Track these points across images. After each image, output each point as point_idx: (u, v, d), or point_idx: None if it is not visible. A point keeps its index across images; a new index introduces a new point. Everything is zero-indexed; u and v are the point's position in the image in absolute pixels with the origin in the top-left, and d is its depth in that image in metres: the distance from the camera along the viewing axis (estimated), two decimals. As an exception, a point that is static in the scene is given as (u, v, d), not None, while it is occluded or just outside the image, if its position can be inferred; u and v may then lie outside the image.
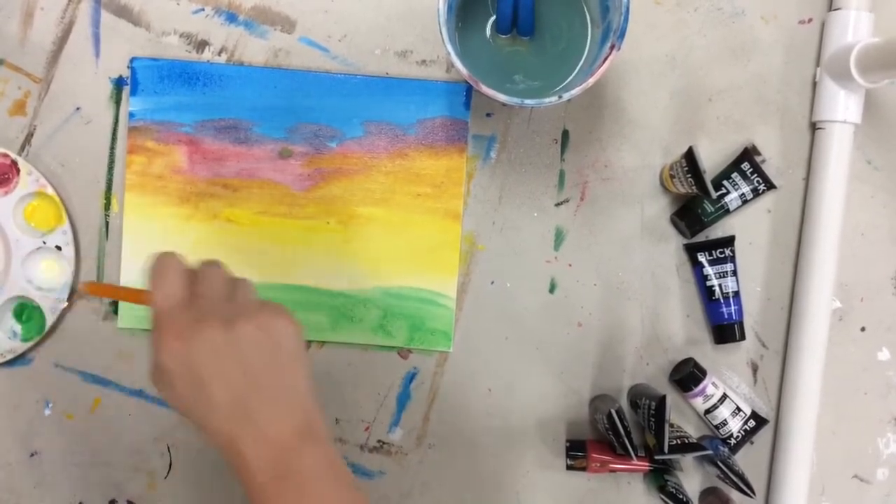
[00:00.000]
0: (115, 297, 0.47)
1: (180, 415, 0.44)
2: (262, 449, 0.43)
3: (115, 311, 0.65)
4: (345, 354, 0.66)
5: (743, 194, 0.64)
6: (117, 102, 0.65)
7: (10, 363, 0.65)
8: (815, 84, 0.65)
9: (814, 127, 0.65)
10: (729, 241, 0.64)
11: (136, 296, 0.47)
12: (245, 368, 0.43)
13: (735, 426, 0.64)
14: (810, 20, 0.65)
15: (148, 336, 0.45)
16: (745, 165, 0.64)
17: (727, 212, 0.64)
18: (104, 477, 0.66)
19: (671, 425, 0.60)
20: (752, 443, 0.65)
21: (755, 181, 0.64)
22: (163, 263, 0.46)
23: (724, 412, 0.63)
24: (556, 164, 0.65)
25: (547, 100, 0.54)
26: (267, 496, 0.43)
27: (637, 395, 0.63)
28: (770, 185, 0.64)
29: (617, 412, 0.59)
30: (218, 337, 0.43)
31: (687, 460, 0.66)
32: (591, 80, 0.53)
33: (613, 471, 0.63)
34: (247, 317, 0.44)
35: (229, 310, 0.45)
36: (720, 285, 0.64)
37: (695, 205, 0.64)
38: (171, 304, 0.44)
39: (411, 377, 0.66)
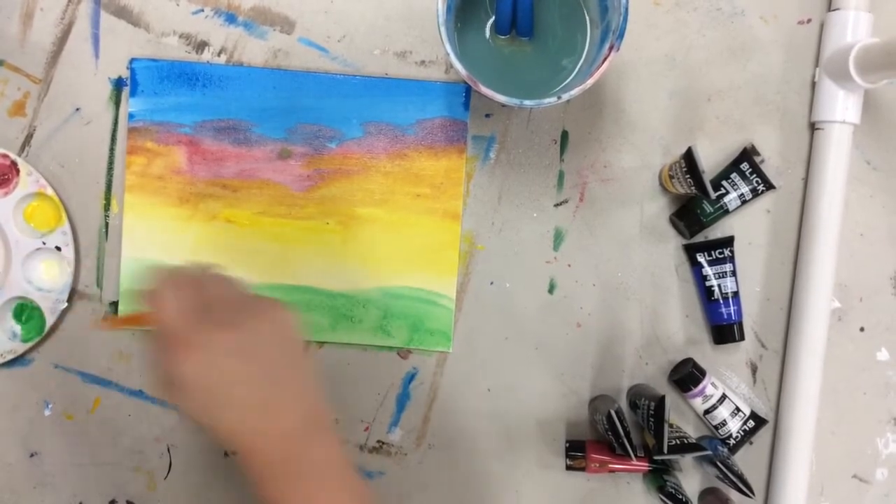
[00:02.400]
0: (130, 326, 0.47)
1: (193, 421, 0.44)
2: (275, 442, 0.44)
3: (115, 312, 0.65)
4: (344, 355, 0.66)
5: (742, 194, 0.64)
6: (117, 103, 0.65)
7: (9, 364, 0.65)
8: (814, 84, 0.65)
9: (813, 127, 0.65)
10: (728, 242, 0.64)
11: (145, 318, 0.47)
12: (259, 366, 0.44)
13: (734, 426, 0.64)
14: (809, 20, 0.65)
15: (155, 351, 0.45)
16: (745, 166, 0.64)
17: (726, 212, 0.64)
18: (104, 477, 0.66)
19: (670, 425, 0.60)
20: (751, 443, 0.65)
21: (754, 181, 0.64)
22: (162, 281, 0.46)
23: (723, 412, 0.64)
24: (556, 164, 0.65)
25: (546, 100, 0.54)
26: (277, 487, 0.44)
27: (636, 396, 0.63)
28: (769, 186, 0.64)
29: (616, 412, 0.60)
30: (231, 341, 0.43)
31: (686, 460, 0.66)
32: (591, 81, 0.53)
33: (613, 471, 0.63)
34: (254, 316, 0.45)
35: (234, 311, 0.45)
36: (719, 285, 0.64)
37: (694, 205, 0.64)
38: (179, 318, 0.44)
39: (411, 377, 0.66)
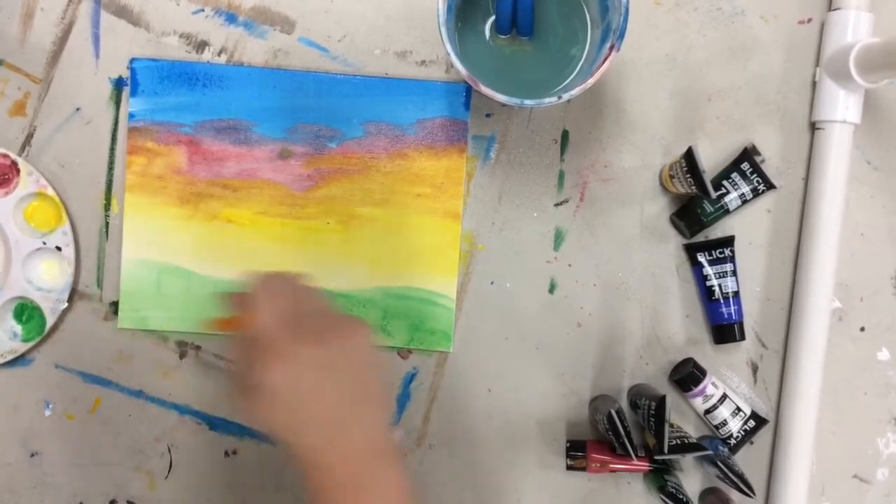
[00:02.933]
0: (225, 329, 0.48)
1: (264, 429, 0.44)
2: (347, 463, 0.44)
3: (115, 312, 0.65)
4: (345, 355, 0.66)
5: (742, 194, 0.64)
6: (117, 103, 0.65)
7: (10, 364, 0.65)
8: (814, 84, 0.65)
9: (813, 127, 0.65)
10: (728, 241, 0.64)
11: (239, 322, 0.47)
12: (340, 384, 0.44)
13: (735, 426, 0.64)
14: (810, 20, 0.65)
15: (243, 355, 0.45)
16: (745, 165, 0.64)
17: (727, 212, 0.64)
18: (104, 477, 0.66)
19: (671, 425, 0.60)
20: (751, 443, 0.65)
21: (755, 181, 0.64)
22: (265, 285, 0.46)
23: (723, 412, 0.63)
24: (556, 164, 0.65)
25: (546, 100, 0.54)
26: None
27: (637, 396, 0.63)
28: (770, 185, 0.64)
29: (617, 412, 0.59)
30: (319, 356, 0.44)
31: (687, 460, 0.66)
32: (591, 81, 0.53)
33: (613, 471, 0.63)
34: (339, 331, 0.45)
35: (324, 326, 0.46)
36: (720, 285, 0.64)
37: (694, 205, 0.64)
38: (276, 326, 0.44)
39: (411, 377, 0.66)
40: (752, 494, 0.60)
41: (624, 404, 0.65)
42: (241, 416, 0.65)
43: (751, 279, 0.66)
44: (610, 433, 0.60)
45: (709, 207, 0.63)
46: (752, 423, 0.64)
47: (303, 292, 0.48)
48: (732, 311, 0.64)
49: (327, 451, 0.44)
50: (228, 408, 0.66)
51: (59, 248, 0.64)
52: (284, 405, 0.43)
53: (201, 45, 0.65)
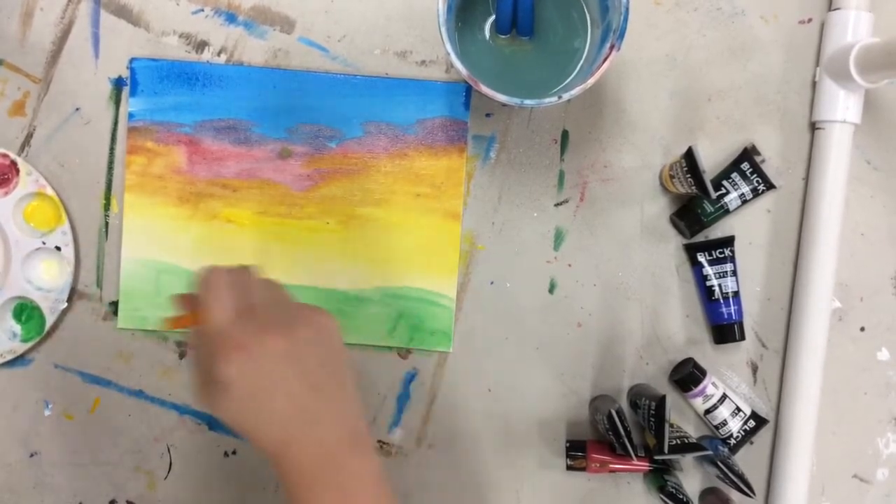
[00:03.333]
0: (179, 327, 0.48)
1: (228, 424, 0.44)
2: (315, 455, 0.43)
3: (115, 312, 0.65)
4: (345, 355, 0.66)
5: (742, 194, 0.64)
6: (117, 103, 0.65)
7: (9, 364, 0.65)
8: (814, 84, 0.65)
9: (813, 127, 0.65)
10: (728, 242, 0.64)
11: (193, 318, 0.47)
12: (306, 375, 0.44)
13: (735, 426, 0.64)
14: (810, 20, 0.65)
15: (199, 351, 0.44)
16: (745, 165, 0.64)
17: (727, 212, 0.64)
18: (104, 477, 0.66)
19: (671, 425, 0.60)
20: (751, 443, 0.65)
21: (755, 181, 0.64)
22: (212, 279, 0.45)
23: (723, 412, 0.63)
24: (556, 164, 0.65)
25: (546, 100, 0.54)
26: (311, 496, 0.43)
27: (637, 396, 0.63)
28: (770, 185, 0.64)
29: (617, 412, 0.59)
30: (280, 346, 0.43)
31: (687, 460, 0.66)
32: (591, 81, 0.53)
33: (613, 471, 0.63)
34: (302, 322, 0.45)
35: (282, 316, 0.45)
36: (720, 285, 0.64)
37: (694, 205, 0.64)
38: (228, 319, 0.44)
39: (411, 377, 0.66)
40: (752, 494, 0.60)
41: (624, 404, 0.65)
42: (206, 411, 0.64)
43: (751, 279, 0.65)
44: (610, 433, 0.60)
45: (709, 207, 0.63)
46: (752, 423, 0.64)
47: (257, 284, 0.47)
48: (732, 311, 0.63)
49: (296, 444, 0.43)
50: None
51: (58, 248, 0.64)
52: (244, 396, 0.42)
53: (201, 45, 0.65)
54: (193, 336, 0.46)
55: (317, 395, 0.44)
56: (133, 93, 0.64)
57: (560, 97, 0.54)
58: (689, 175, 0.59)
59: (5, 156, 0.64)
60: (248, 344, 0.42)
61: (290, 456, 0.43)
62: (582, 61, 0.60)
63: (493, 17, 0.61)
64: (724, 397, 0.63)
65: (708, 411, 0.64)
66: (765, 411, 0.66)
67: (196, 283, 0.46)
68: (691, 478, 0.66)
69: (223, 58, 0.65)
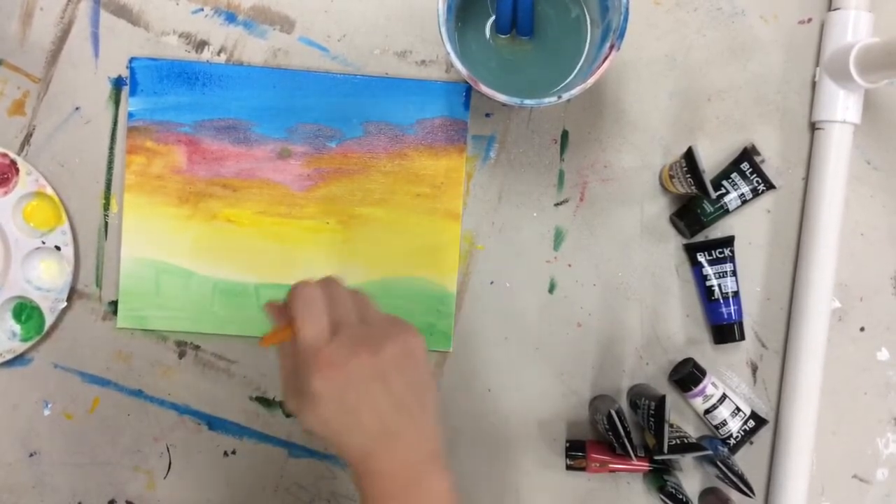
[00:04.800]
0: (276, 342, 0.48)
1: (315, 435, 0.45)
2: (398, 470, 0.45)
3: (114, 312, 0.65)
4: (344, 354, 0.66)
5: (742, 194, 0.64)
6: (116, 102, 0.65)
7: (9, 363, 0.65)
8: (814, 84, 0.65)
9: (813, 127, 0.65)
10: (728, 241, 0.64)
11: (286, 332, 0.48)
12: (391, 393, 0.45)
13: (735, 426, 0.64)
14: (810, 20, 0.65)
15: (293, 363, 0.46)
16: (745, 165, 0.64)
17: (726, 212, 0.64)
18: (104, 477, 0.66)
19: (671, 425, 0.60)
20: (751, 443, 0.65)
21: (755, 181, 0.64)
22: (306, 294, 0.46)
23: (723, 412, 0.63)
24: (556, 164, 0.65)
25: (546, 100, 0.54)
26: None
27: (637, 396, 0.63)
28: (769, 185, 0.64)
29: (616, 412, 0.59)
30: (368, 363, 0.44)
31: (686, 460, 0.66)
32: (591, 81, 0.53)
33: (613, 471, 0.63)
34: (389, 339, 0.46)
35: (372, 332, 0.46)
36: (720, 285, 0.64)
37: (694, 205, 0.64)
38: (321, 335, 0.45)
39: (411, 377, 0.66)
40: (751, 494, 0.60)
41: (624, 404, 0.65)
42: (294, 416, 0.65)
43: (751, 279, 0.65)
44: (610, 433, 0.60)
45: (709, 207, 0.63)
46: (751, 423, 0.64)
47: (345, 297, 0.48)
48: (732, 311, 0.63)
49: (377, 457, 0.45)
50: (228, 407, 0.66)
51: (58, 248, 0.64)
52: (333, 412, 0.44)
53: (201, 45, 0.65)
54: (286, 347, 0.47)
55: (400, 414, 0.45)
56: (133, 92, 0.64)
57: (560, 97, 0.54)
58: (688, 175, 0.59)
59: (5, 155, 0.63)
60: (338, 361, 0.44)
61: (371, 468, 0.45)
62: (582, 61, 0.60)
63: (493, 17, 0.61)
64: (723, 397, 0.63)
65: (708, 411, 0.64)
66: (764, 411, 0.66)
67: (289, 298, 0.47)
68: (691, 478, 0.66)
69: (223, 57, 0.65)
